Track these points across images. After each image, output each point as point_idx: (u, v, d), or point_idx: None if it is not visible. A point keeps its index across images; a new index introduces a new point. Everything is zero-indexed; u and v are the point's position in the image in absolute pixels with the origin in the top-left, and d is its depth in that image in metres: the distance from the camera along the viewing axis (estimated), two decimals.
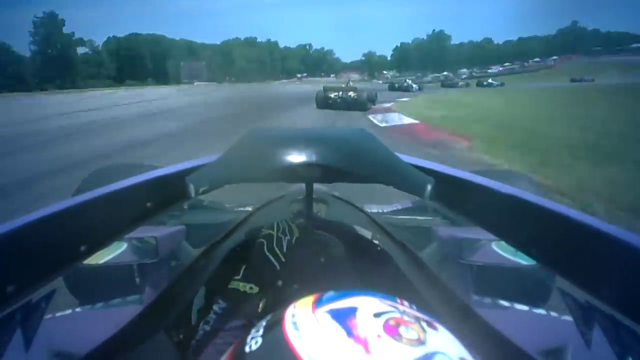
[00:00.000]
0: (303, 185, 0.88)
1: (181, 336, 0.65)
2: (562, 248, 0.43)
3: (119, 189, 0.55)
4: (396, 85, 30.54)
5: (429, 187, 0.62)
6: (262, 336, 0.29)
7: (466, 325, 0.58)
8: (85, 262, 0.51)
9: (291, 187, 1.11)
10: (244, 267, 0.71)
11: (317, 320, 0.27)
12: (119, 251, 0.79)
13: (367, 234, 0.87)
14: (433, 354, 0.25)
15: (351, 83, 14.57)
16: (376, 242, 0.85)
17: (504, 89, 31.71)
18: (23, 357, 0.47)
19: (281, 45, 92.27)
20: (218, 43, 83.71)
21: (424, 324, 0.28)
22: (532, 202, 0.47)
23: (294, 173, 0.64)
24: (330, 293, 0.32)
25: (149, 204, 0.59)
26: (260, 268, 0.70)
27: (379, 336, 0.26)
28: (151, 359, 0.58)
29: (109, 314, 0.78)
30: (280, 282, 0.67)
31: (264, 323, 0.31)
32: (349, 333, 0.26)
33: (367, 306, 0.29)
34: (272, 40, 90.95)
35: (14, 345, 0.43)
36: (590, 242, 0.40)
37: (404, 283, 0.72)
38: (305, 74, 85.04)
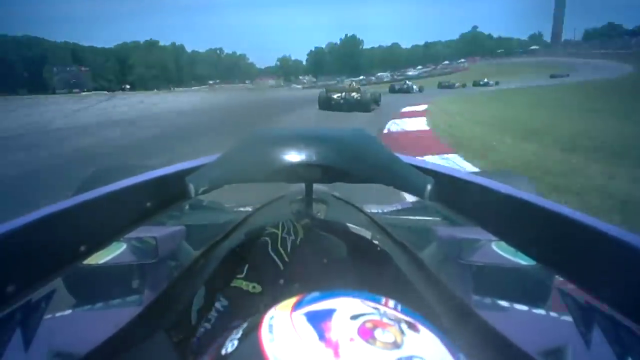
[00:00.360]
0: (303, 185, 0.87)
1: (181, 336, 0.65)
2: (561, 248, 0.46)
3: (118, 189, 0.57)
4: (396, 87, 28.94)
5: (428, 187, 0.65)
6: (239, 339, 0.30)
7: (466, 325, 0.60)
8: (85, 262, 0.54)
9: (291, 187, 1.10)
10: (247, 266, 0.72)
11: (292, 323, 0.28)
12: (118, 251, 0.80)
13: (367, 234, 0.89)
14: (408, 358, 0.26)
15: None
16: (376, 242, 0.87)
17: (516, 90, 26.60)
18: (23, 357, 0.49)
19: (188, 49, 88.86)
20: (111, 47, 77.52)
21: (404, 326, 0.29)
22: (532, 203, 0.50)
23: (293, 173, 0.66)
24: (315, 294, 0.32)
25: (148, 204, 0.62)
26: (264, 267, 0.71)
27: (351, 340, 0.26)
28: (151, 359, 0.58)
29: (108, 314, 0.80)
30: (282, 281, 0.68)
31: (245, 325, 0.32)
32: (321, 336, 0.26)
33: (346, 308, 0.30)
34: (177, 43, 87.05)
35: (13, 345, 0.45)
36: (590, 242, 0.42)
37: (403, 283, 0.73)
38: (217, 80, 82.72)
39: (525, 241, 0.50)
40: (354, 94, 13.36)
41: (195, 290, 0.72)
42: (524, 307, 0.82)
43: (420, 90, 28.17)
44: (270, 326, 0.29)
